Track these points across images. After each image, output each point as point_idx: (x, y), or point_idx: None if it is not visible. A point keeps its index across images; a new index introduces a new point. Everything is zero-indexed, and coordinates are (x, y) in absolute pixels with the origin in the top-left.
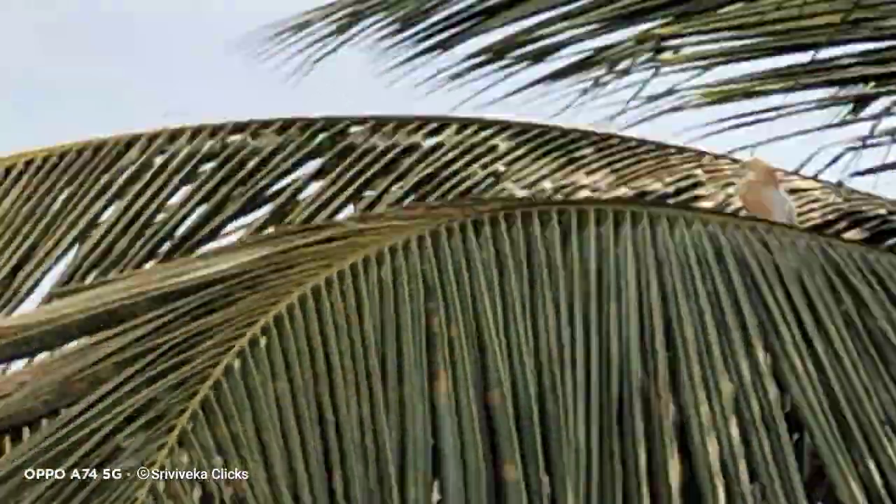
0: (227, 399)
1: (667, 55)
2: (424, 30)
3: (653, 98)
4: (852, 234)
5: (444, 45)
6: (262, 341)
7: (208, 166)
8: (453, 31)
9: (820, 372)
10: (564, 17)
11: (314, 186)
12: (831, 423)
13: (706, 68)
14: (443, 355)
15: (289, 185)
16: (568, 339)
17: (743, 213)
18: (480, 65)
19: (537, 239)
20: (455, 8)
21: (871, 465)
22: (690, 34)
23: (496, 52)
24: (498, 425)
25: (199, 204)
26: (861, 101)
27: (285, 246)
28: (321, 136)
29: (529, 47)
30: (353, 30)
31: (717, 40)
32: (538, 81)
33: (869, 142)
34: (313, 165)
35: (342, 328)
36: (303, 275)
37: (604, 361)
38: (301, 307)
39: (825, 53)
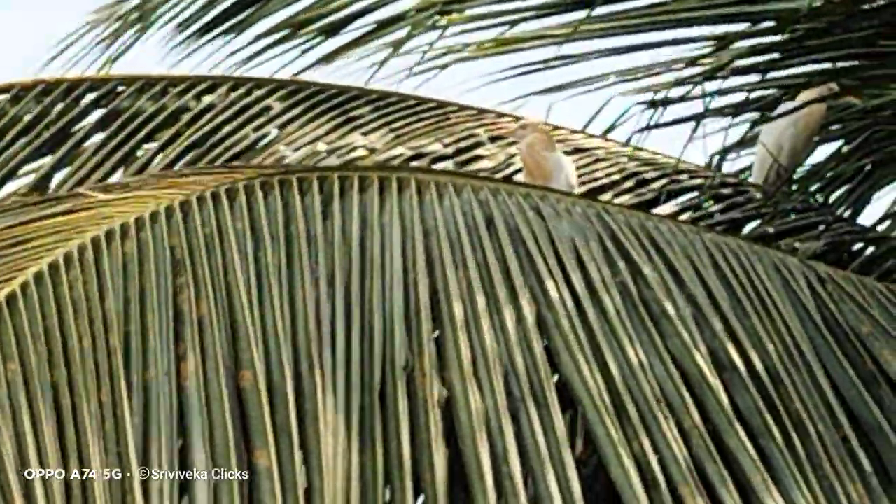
0: None
1: (453, 16)
2: (214, 18)
3: (434, 57)
4: (637, 195)
5: (236, 29)
6: None
7: None
8: (243, 14)
9: (594, 347)
10: None
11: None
12: (605, 399)
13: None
14: (192, 334)
15: (51, 151)
16: (328, 316)
17: (523, 174)
18: (274, 44)
19: (296, 208)
20: None
21: (646, 443)
22: None
23: (292, 28)
24: (249, 408)
25: None
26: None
27: (23, 218)
28: (88, 98)
29: (320, 23)
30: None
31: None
32: (334, 54)
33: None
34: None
35: (81, 307)
36: (40, 250)
37: (366, 338)
38: (36, 284)
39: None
